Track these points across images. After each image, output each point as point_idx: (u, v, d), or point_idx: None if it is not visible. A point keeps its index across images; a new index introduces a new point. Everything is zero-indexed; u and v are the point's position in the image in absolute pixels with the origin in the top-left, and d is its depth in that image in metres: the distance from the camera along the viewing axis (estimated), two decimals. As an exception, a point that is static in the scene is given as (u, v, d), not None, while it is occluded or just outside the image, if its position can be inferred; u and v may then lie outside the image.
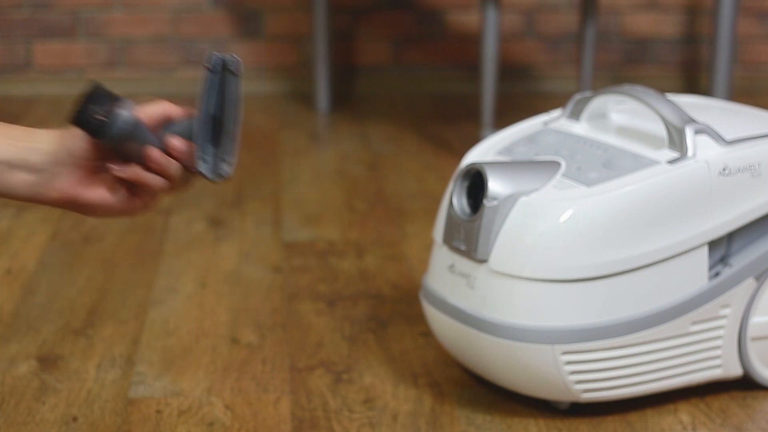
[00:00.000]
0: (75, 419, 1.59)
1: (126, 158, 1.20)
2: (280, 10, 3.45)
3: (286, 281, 2.06)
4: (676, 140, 1.56)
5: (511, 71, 3.48)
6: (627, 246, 1.51)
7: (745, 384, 1.66)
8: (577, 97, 1.71)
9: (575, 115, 1.70)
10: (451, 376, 1.71)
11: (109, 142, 1.18)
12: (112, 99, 1.19)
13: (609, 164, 1.56)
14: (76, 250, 2.21)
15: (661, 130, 1.60)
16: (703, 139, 1.56)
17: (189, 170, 1.20)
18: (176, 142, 1.18)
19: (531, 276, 1.51)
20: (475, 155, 1.68)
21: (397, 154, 2.86)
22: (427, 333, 1.84)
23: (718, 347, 1.60)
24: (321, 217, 2.40)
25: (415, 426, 1.58)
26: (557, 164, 1.58)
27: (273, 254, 2.19)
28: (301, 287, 2.04)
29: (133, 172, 1.19)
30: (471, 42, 3.46)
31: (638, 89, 1.62)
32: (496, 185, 1.54)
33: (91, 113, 1.17)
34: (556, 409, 1.60)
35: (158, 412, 1.61)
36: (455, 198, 1.59)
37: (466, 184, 1.59)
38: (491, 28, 2.74)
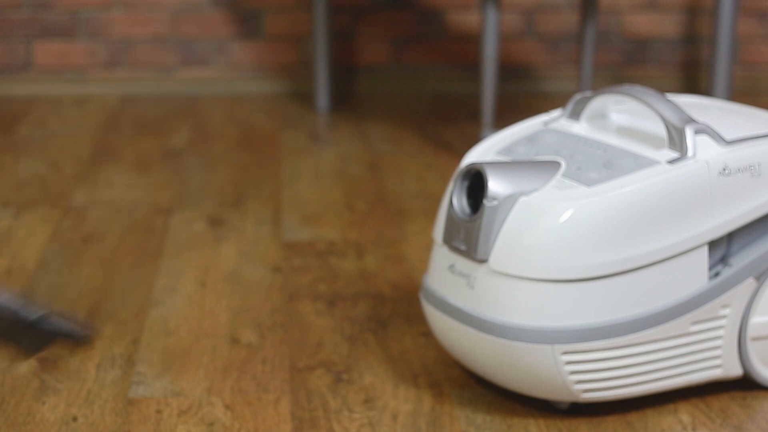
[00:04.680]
0: (75, 419, 1.59)
1: None
2: (280, 10, 3.45)
3: (285, 281, 2.06)
4: (676, 140, 1.56)
5: (511, 71, 3.48)
6: (627, 246, 1.51)
7: (745, 384, 1.66)
8: (577, 97, 1.71)
9: (575, 115, 1.70)
10: (451, 376, 1.71)
11: None
12: None
13: (609, 164, 1.56)
14: (76, 250, 2.21)
15: (661, 130, 1.60)
16: (703, 139, 1.56)
17: None
18: None
19: (531, 276, 1.51)
20: (475, 155, 1.68)
21: (397, 154, 2.86)
22: (427, 333, 1.84)
23: (718, 347, 1.60)
24: (321, 217, 2.40)
25: (415, 426, 1.58)
26: (557, 164, 1.58)
27: (273, 254, 2.19)
28: (301, 287, 2.04)
29: None
30: (471, 42, 3.46)
31: (638, 89, 1.62)
32: (496, 185, 1.54)
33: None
34: (556, 409, 1.60)
35: (158, 412, 1.61)
36: (455, 198, 1.59)
37: (466, 184, 1.59)
38: (491, 28, 2.75)
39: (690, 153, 1.54)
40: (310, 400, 1.64)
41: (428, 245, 2.24)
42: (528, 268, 1.51)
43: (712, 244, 1.57)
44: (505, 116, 3.15)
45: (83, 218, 2.38)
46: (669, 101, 1.59)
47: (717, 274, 1.58)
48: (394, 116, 3.22)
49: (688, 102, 1.75)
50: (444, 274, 1.62)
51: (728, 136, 1.57)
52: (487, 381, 1.67)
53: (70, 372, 1.72)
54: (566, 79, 3.48)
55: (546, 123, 1.72)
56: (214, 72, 3.47)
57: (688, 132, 1.55)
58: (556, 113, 1.74)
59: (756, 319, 1.61)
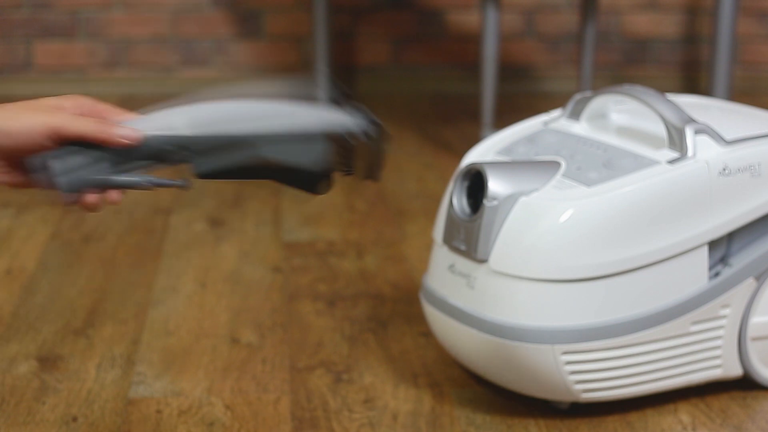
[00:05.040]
0: (75, 419, 1.59)
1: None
2: (280, 10, 3.45)
3: (286, 281, 2.06)
4: (676, 140, 1.56)
5: (511, 71, 3.48)
6: (627, 246, 1.51)
7: (745, 384, 1.66)
8: (577, 97, 1.71)
9: (575, 115, 1.70)
10: (451, 376, 1.71)
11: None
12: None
13: (609, 164, 1.56)
14: (76, 250, 2.21)
15: (661, 130, 1.60)
16: (703, 139, 1.56)
17: None
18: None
19: (531, 276, 1.51)
20: (475, 155, 1.68)
21: (397, 154, 2.86)
22: (427, 333, 1.84)
23: (718, 347, 1.60)
24: (321, 217, 2.40)
25: (415, 426, 1.58)
26: (557, 164, 1.58)
27: (273, 254, 2.19)
28: (301, 287, 2.04)
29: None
30: (471, 42, 3.46)
31: (638, 89, 1.62)
32: (496, 185, 1.54)
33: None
34: (556, 409, 1.60)
35: (158, 412, 1.61)
36: (455, 198, 1.59)
37: (466, 184, 1.59)
38: (491, 28, 2.74)
39: (690, 153, 1.54)
40: (310, 400, 1.64)
41: (428, 245, 2.23)
42: (528, 268, 1.51)
43: (712, 244, 1.57)
44: (505, 116, 3.15)
45: (83, 218, 2.38)
46: (669, 101, 1.59)
47: (717, 274, 1.58)
48: (394, 116, 3.22)
49: (688, 102, 1.75)
50: (444, 274, 1.62)
51: (728, 136, 1.57)
52: (487, 381, 1.67)
53: (70, 372, 1.72)
54: (566, 79, 3.48)
55: (546, 123, 1.72)
56: (214, 72, 3.47)
57: (688, 132, 1.55)
58: (556, 113, 1.74)
59: (756, 319, 1.61)
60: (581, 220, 1.51)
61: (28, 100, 1.21)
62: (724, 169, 1.55)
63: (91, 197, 1.18)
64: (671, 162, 1.54)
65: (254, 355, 1.78)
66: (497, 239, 1.54)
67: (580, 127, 1.68)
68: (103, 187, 1.18)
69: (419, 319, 1.88)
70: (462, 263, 1.58)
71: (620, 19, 3.48)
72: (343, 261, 2.16)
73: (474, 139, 2.93)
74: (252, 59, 3.46)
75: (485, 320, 1.55)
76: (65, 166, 1.16)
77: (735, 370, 1.62)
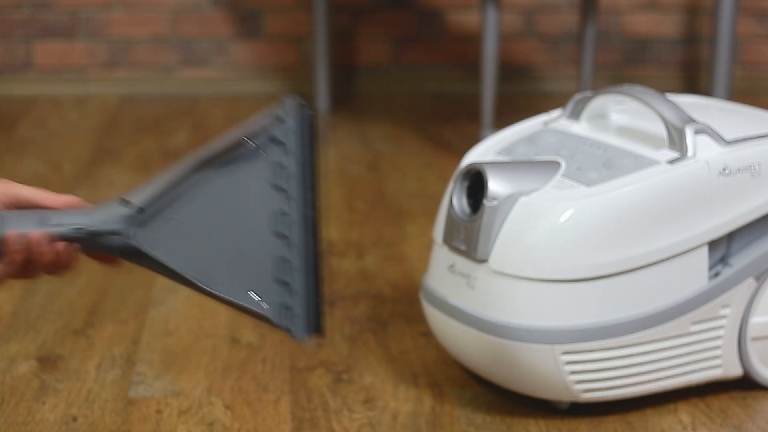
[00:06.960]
0: (75, 419, 1.59)
1: None
2: (280, 10, 3.45)
3: (286, 281, 2.06)
4: (676, 140, 1.56)
5: (511, 71, 3.48)
6: (627, 246, 1.51)
7: (745, 384, 1.66)
8: (577, 97, 1.71)
9: (575, 115, 1.70)
10: (451, 376, 1.71)
11: None
12: None
13: (609, 164, 1.56)
14: (76, 250, 2.20)
15: (661, 130, 1.60)
16: (703, 139, 1.56)
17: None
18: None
19: (531, 276, 1.51)
20: (475, 155, 1.68)
21: (397, 154, 2.86)
22: (427, 333, 1.84)
23: (718, 347, 1.60)
24: (321, 217, 2.40)
25: (415, 426, 1.58)
26: (557, 164, 1.58)
27: (273, 254, 2.19)
28: (301, 287, 2.03)
29: None
30: (471, 42, 3.46)
31: (638, 89, 1.62)
32: (496, 185, 1.54)
33: None
34: (556, 409, 1.60)
35: (158, 412, 1.61)
36: (455, 198, 1.59)
37: (466, 184, 1.59)
38: (491, 28, 2.74)
39: (690, 153, 1.54)
40: (310, 400, 1.64)
41: (428, 245, 2.23)
42: (528, 268, 1.51)
43: (712, 244, 1.57)
44: (505, 116, 3.15)
45: (83, 218, 2.37)
46: (669, 101, 1.59)
47: (717, 274, 1.58)
48: (394, 116, 3.22)
49: (688, 102, 1.75)
50: (444, 274, 1.62)
51: (728, 136, 1.57)
52: (487, 381, 1.67)
53: (70, 372, 1.72)
54: (566, 79, 3.48)
55: (546, 123, 1.72)
56: (214, 72, 3.47)
57: (688, 132, 1.55)
58: (556, 113, 1.74)
59: (756, 319, 1.61)
60: (581, 220, 1.51)
61: None
62: (724, 169, 1.55)
63: (46, 255, 1.17)
64: (671, 162, 1.54)
65: (254, 355, 1.78)
66: (497, 239, 1.54)
67: (580, 127, 1.68)
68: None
69: (419, 319, 1.88)
70: (462, 263, 1.58)
71: (620, 19, 3.49)
72: (343, 261, 2.16)
73: (474, 139, 2.93)
74: (252, 59, 3.47)
75: (485, 320, 1.55)
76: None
77: (735, 370, 1.62)
